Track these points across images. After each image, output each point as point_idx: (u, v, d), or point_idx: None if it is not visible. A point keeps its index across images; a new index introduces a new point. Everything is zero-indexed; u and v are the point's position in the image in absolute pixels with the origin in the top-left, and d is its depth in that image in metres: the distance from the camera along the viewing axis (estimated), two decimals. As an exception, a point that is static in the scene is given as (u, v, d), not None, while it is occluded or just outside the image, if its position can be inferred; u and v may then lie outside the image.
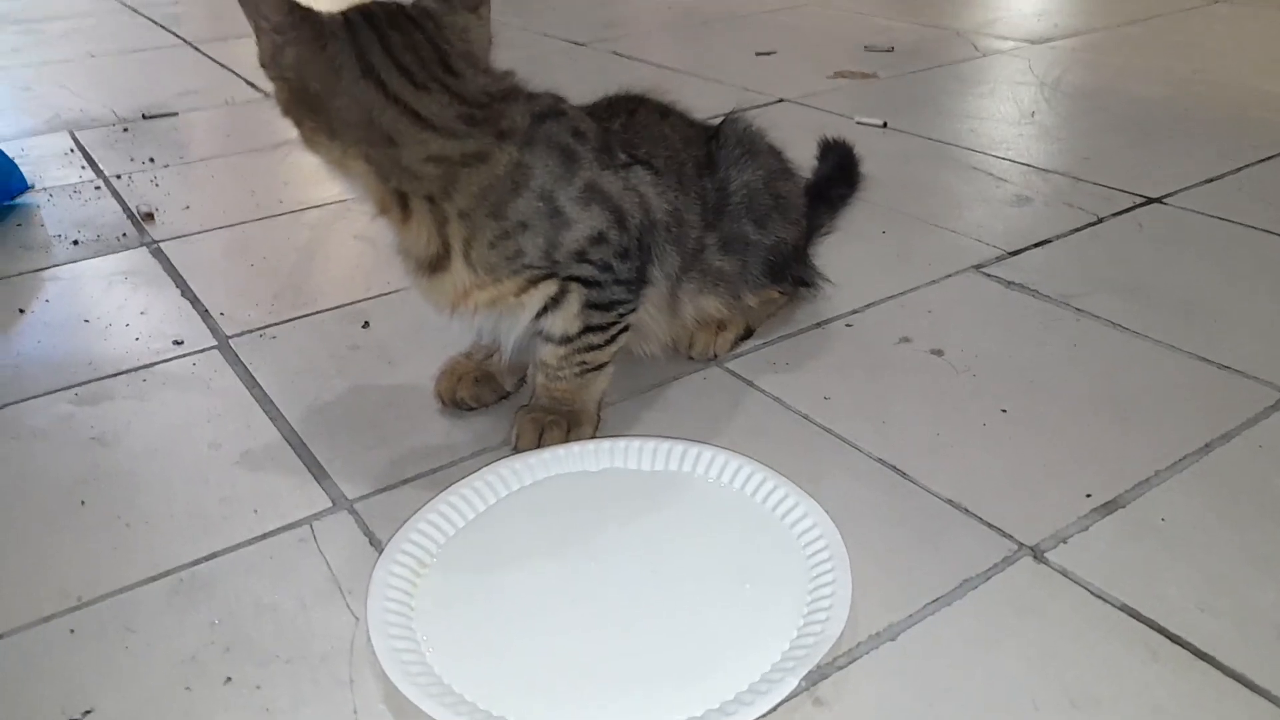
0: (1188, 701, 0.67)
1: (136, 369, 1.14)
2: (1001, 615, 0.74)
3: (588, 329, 0.92)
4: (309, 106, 0.85)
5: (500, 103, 0.86)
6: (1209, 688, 0.68)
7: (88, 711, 0.70)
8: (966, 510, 0.85)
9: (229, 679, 0.72)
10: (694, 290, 1.04)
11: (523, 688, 0.68)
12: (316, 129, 0.85)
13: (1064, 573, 0.78)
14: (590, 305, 0.91)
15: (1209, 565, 0.78)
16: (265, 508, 0.90)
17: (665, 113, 1.05)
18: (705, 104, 1.13)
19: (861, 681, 0.69)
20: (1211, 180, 1.51)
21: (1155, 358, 1.06)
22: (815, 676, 0.69)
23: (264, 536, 0.87)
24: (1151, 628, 0.72)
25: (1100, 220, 1.40)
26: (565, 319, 0.91)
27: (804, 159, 1.37)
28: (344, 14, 0.85)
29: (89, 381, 1.12)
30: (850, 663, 0.71)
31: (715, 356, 1.09)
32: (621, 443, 0.91)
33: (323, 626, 0.77)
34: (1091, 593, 0.76)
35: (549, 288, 0.90)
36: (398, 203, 0.86)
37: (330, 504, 0.90)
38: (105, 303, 1.31)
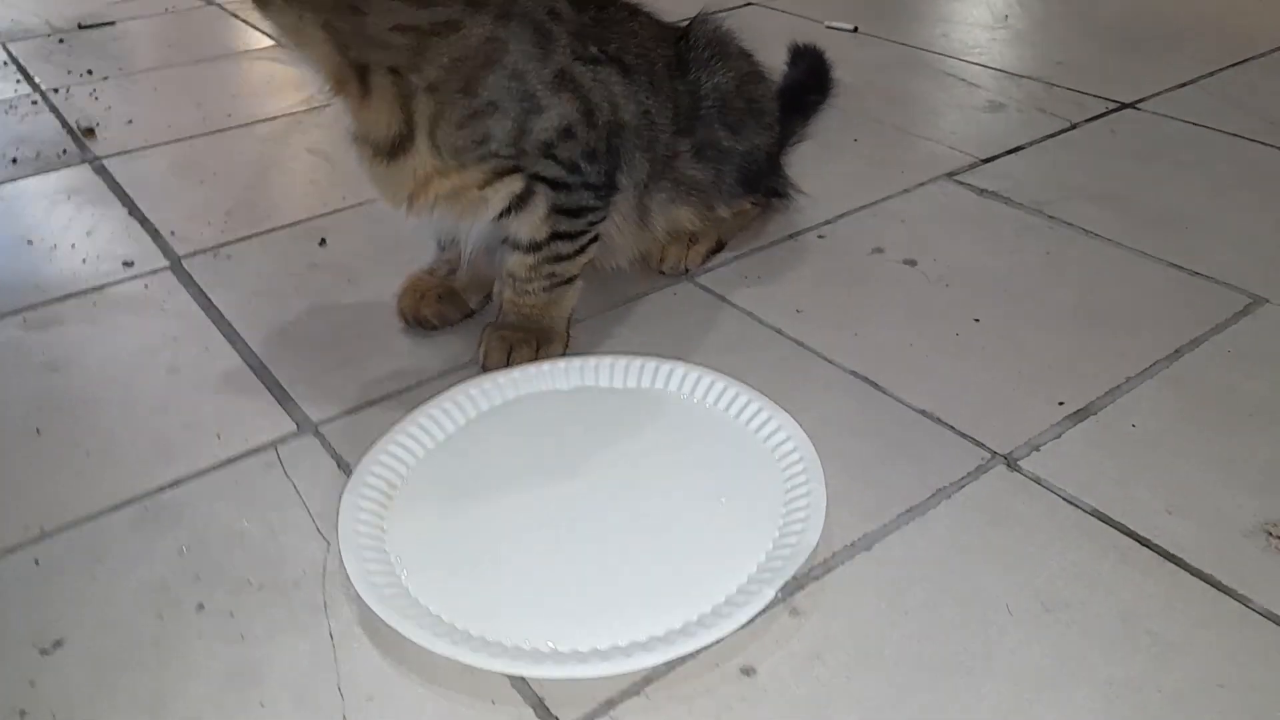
0: (1156, 602, 0.68)
1: (86, 291, 1.10)
2: (975, 523, 0.75)
3: (556, 236, 0.90)
4: None
5: None
6: (1177, 588, 0.69)
7: (58, 642, 0.69)
8: (939, 420, 0.85)
9: (201, 606, 0.71)
10: (665, 200, 1.01)
11: (501, 607, 0.68)
12: None
13: (1037, 480, 0.78)
14: (558, 210, 0.88)
15: (1177, 470, 0.79)
16: (229, 432, 0.88)
17: (634, 10, 1.01)
18: (670, 7, 1.08)
19: (838, 591, 0.70)
20: (1185, 85, 1.50)
21: (1128, 265, 1.06)
22: (792, 588, 0.69)
23: (229, 462, 0.85)
24: (1121, 531, 0.73)
25: (1074, 126, 1.38)
26: (532, 223, 0.88)
27: (775, 65, 1.33)
28: None
29: (37, 305, 1.08)
30: (826, 573, 0.71)
31: (687, 271, 1.07)
32: (592, 360, 0.90)
33: (293, 552, 0.75)
34: (1063, 499, 0.76)
35: (514, 183, 0.86)
36: (356, 77, 0.81)
37: (295, 427, 0.88)
38: (49, 223, 1.25)
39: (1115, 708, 0.61)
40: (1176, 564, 0.70)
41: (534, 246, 0.89)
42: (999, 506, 0.76)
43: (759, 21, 1.86)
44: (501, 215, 0.87)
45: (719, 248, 1.11)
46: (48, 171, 1.39)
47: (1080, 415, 0.85)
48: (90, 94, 1.66)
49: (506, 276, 0.93)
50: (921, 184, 1.24)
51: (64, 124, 1.54)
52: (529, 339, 0.92)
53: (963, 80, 1.56)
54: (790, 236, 1.15)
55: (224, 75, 1.76)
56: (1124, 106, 1.44)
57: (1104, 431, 0.83)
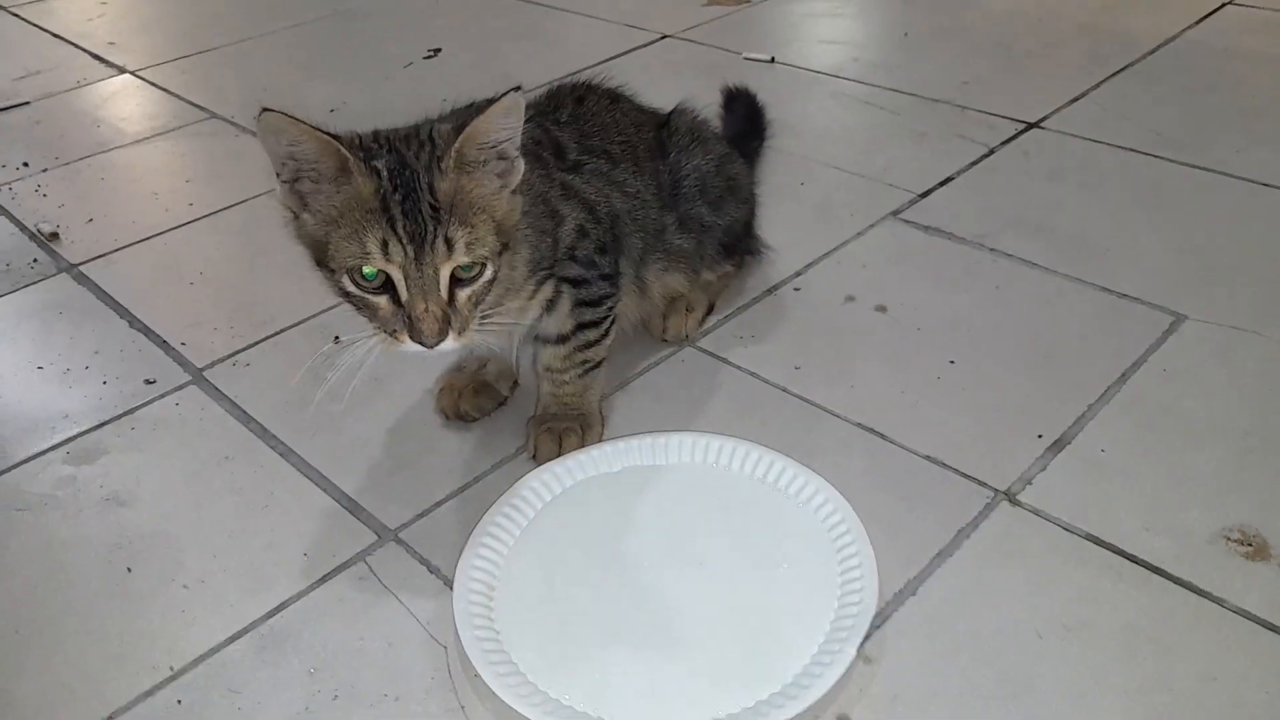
0: (1151, 612, 0.83)
1: (119, 417, 1.15)
2: (994, 558, 0.89)
3: (580, 326, 1.00)
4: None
5: None
6: (1166, 598, 0.84)
7: (229, 778, 0.77)
8: (944, 464, 0.99)
9: (349, 725, 0.80)
10: (659, 270, 1.12)
11: (621, 690, 0.79)
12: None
13: (1035, 512, 0.93)
14: (580, 303, 0.99)
15: (1145, 489, 0.95)
16: (313, 549, 0.96)
17: (615, 98, 1.12)
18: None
19: (898, 637, 0.83)
20: (1077, 99, 1.67)
21: (1066, 293, 1.22)
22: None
23: (324, 579, 0.92)
24: (1113, 551, 0.88)
25: (991, 151, 1.54)
26: (559, 319, 0.99)
27: (705, 100, 1.41)
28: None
29: (75, 437, 1.12)
30: (884, 621, 0.84)
31: (687, 337, 1.19)
32: (634, 441, 1.01)
33: (416, 661, 0.84)
34: (1061, 527, 0.91)
35: (548, 289, 0.97)
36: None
37: (376, 537, 0.96)
38: (51, 345, 1.28)
39: (1135, 712, 0.76)
40: (1162, 576, 0.86)
41: (562, 339, 1.00)
42: (1010, 540, 0.90)
43: (678, 55, 1.97)
44: (538, 319, 0.98)
45: (710, 310, 1.22)
46: (26, 286, 1.41)
47: (1058, 446, 1.00)
48: (36, 190, 1.66)
49: (544, 371, 1.03)
50: (872, 226, 1.38)
51: (21, 227, 1.55)
52: (574, 428, 1.02)
53: (883, 109, 1.70)
54: (769, 291, 1.27)
55: (166, 157, 1.77)
56: (1030, 126, 1.60)
57: (1080, 459, 0.98)
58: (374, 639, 0.86)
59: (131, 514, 1.01)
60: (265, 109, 0.75)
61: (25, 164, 1.75)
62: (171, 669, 0.85)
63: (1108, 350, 1.11)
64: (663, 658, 0.81)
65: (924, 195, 1.44)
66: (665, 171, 1.11)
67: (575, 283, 0.98)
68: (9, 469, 1.08)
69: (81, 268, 1.44)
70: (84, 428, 1.13)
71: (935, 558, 0.89)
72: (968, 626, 0.83)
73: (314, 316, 1.29)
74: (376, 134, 0.83)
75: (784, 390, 1.10)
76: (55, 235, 1.52)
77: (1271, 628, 0.81)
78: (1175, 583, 0.85)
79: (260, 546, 0.97)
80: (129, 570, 0.95)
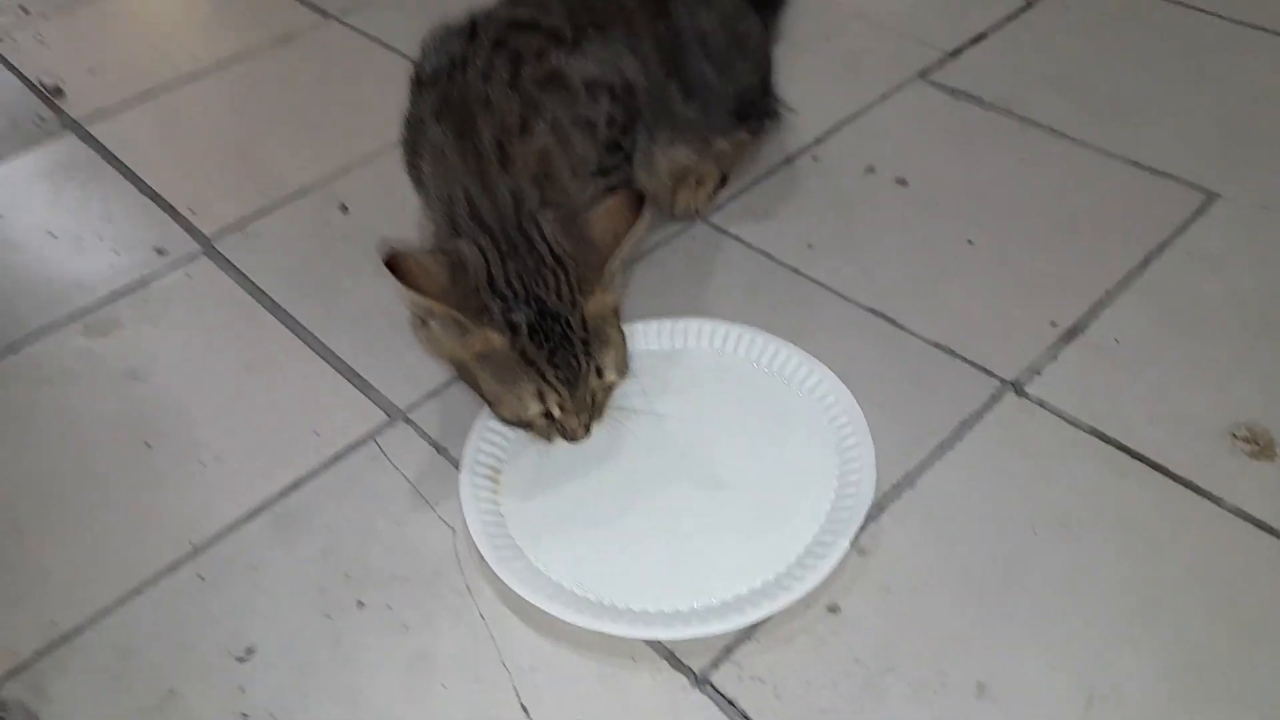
0: (1151, 512, 0.84)
1: (131, 288, 1.15)
2: (996, 451, 0.89)
3: None
4: None
5: None
6: (1165, 497, 0.84)
7: (250, 650, 0.81)
8: (952, 352, 0.98)
9: (360, 603, 0.83)
10: (666, 143, 1.08)
11: (622, 575, 0.81)
12: None
13: (1041, 404, 0.92)
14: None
15: (1154, 379, 0.94)
16: (324, 428, 0.97)
17: None
18: None
19: (893, 528, 0.84)
20: (1127, -55, 1.55)
21: (1094, 166, 1.17)
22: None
23: (336, 459, 0.95)
24: (1116, 447, 0.88)
25: (1029, 5, 1.45)
26: None
27: None
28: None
29: (92, 309, 1.13)
30: (880, 512, 0.85)
31: (698, 213, 1.16)
32: (639, 326, 1.00)
33: (424, 542, 0.87)
34: (1065, 420, 0.91)
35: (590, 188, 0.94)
36: None
37: (386, 417, 0.98)
38: (61, 211, 1.28)
39: (1124, 606, 0.77)
40: (1162, 473, 0.86)
41: None
42: (1014, 433, 0.90)
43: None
44: None
45: (723, 183, 1.19)
46: (33, 146, 1.39)
47: (1071, 334, 0.98)
48: (35, 38, 1.61)
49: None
50: (898, 88, 1.32)
51: (24, 81, 1.51)
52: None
53: (918, -46, 1.59)
54: (786, 161, 1.23)
55: (167, 3, 1.71)
56: (1074, -26, 1.50)
57: (1092, 349, 0.97)
58: (384, 520, 0.89)
59: (148, 389, 1.03)
60: (389, 257, 0.75)
61: (23, 9, 1.69)
62: (192, 544, 0.89)
63: (1134, 231, 1.08)
64: (661, 546, 0.84)
65: (954, 54, 1.37)
66: (666, 33, 1.05)
67: (605, 171, 0.95)
68: (27, 337, 1.10)
69: (88, 128, 1.41)
70: (97, 299, 1.14)
71: (935, 450, 0.90)
72: (963, 520, 0.84)
73: (323, 184, 1.27)
74: (504, 261, 0.79)
75: (795, 270, 1.08)
76: (60, 90, 1.49)
77: (1268, 529, 0.81)
78: (1175, 480, 0.85)
79: (272, 425, 0.98)
80: (148, 445, 0.98)
